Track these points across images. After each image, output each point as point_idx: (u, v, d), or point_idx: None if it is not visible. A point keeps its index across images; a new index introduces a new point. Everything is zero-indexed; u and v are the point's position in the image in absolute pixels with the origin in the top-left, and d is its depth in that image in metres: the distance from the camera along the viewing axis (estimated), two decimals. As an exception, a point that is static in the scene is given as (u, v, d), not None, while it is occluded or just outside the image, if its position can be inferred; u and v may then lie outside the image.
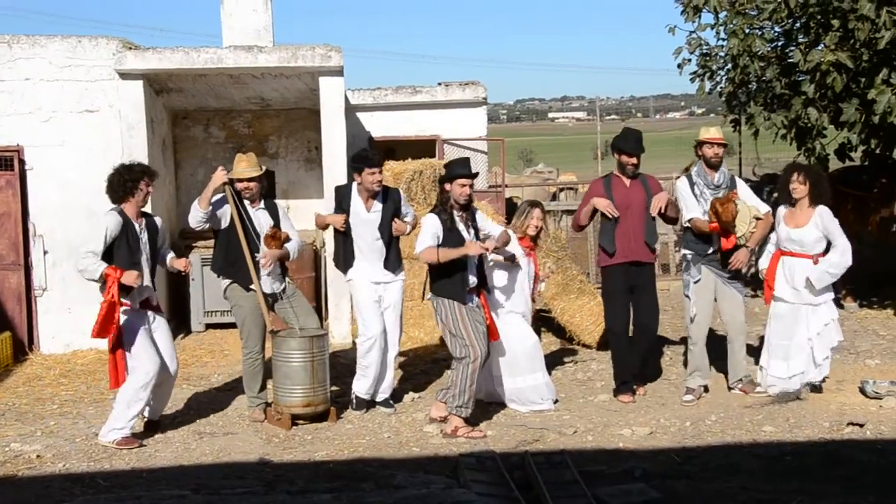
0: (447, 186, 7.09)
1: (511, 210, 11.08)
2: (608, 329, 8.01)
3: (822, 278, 7.39)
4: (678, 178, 14.35)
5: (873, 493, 5.43)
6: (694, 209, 7.62)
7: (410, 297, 10.00)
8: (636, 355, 7.82)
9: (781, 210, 7.65)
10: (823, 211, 7.44)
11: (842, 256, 7.38)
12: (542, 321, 10.37)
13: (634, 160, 7.65)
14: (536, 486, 5.47)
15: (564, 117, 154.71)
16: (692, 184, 7.69)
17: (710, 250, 7.59)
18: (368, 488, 5.50)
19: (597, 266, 8.08)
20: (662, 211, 7.62)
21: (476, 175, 7.24)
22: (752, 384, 7.80)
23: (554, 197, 16.23)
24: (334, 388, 7.71)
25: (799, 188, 7.49)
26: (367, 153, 7.53)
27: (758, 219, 7.57)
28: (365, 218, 7.45)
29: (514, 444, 6.63)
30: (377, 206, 7.48)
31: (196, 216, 7.18)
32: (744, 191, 7.72)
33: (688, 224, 7.67)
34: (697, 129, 8.13)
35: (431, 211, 7.19)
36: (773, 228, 7.71)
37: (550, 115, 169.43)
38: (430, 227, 7.01)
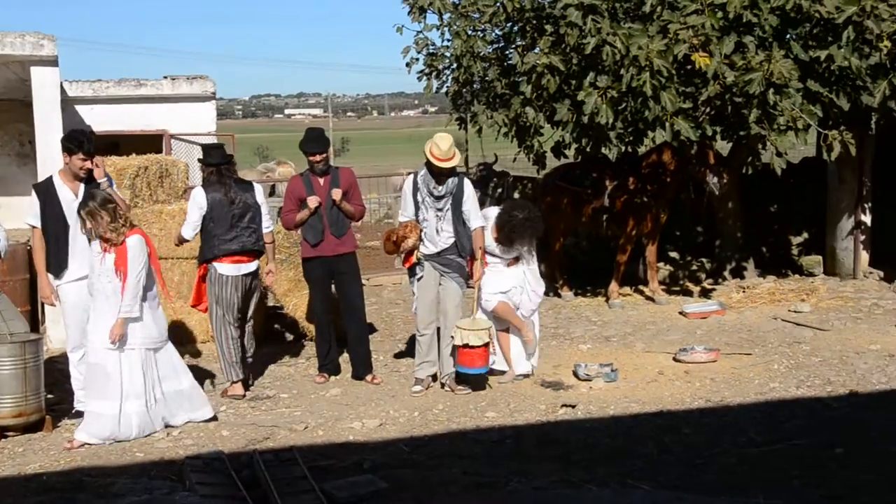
0: None
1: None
2: (313, 314, 8.50)
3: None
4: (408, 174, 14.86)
5: (581, 469, 5.84)
6: (406, 215, 7.83)
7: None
8: (355, 341, 8.29)
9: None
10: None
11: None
12: (276, 318, 10.28)
13: (317, 158, 8.09)
14: (264, 484, 5.42)
15: (301, 114, 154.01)
16: (416, 188, 7.80)
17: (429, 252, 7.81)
18: (85, 499, 5.23)
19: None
20: (338, 202, 8.06)
21: None
22: (456, 381, 7.87)
23: (272, 192, 16.19)
24: (50, 395, 7.26)
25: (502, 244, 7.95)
26: (83, 138, 7.12)
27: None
28: (74, 204, 7.01)
29: (244, 444, 6.53)
30: (81, 188, 7.12)
31: None
32: (470, 203, 7.78)
33: None
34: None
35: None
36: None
37: (287, 111, 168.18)
38: None
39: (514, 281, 8.08)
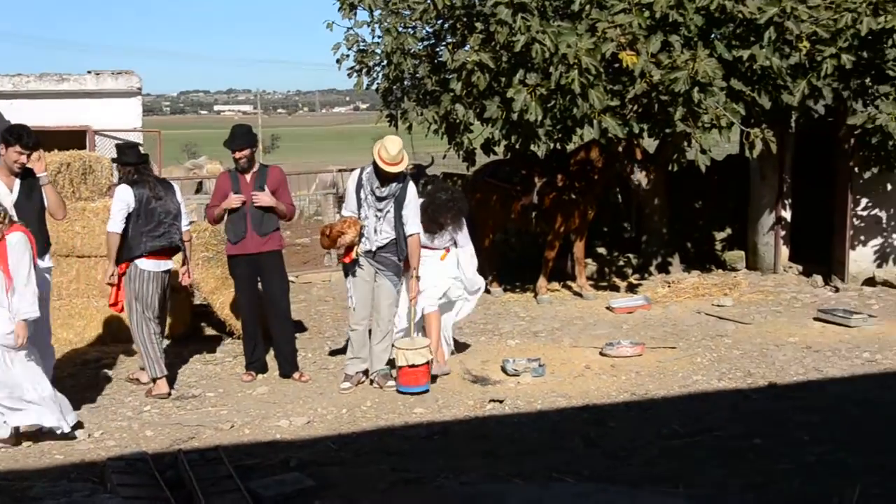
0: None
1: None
2: (239, 312, 8.47)
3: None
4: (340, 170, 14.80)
5: (508, 463, 5.88)
6: (348, 211, 7.80)
7: (58, 297, 9.40)
8: (280, 339, 8.21)
9: None
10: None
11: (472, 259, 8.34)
12: (202, 316, 10.15)
13: (238, 154, 7.98)
14: (189, 484, 5.36)
15: (230, 110, 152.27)
16: (360, 185, 7.72)
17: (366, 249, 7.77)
18: (1, 503, 5.10)
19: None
20: (265, 206, 7.96)
21: None
22: (385, 378, 7.81)
23: (199, 188, 16.00)
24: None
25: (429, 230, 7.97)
26: (23, 132, 6.94)
27: None
28: (8, 199, 6.84)
29: (168, 444, 6.45)
30: (17, 183, 6.95)
31: None
32: (410, 208, 7.70)
33: None
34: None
35: None
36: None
37: (216, 107, 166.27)
38: None
39: (451, 275, 8.10)
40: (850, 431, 6.37)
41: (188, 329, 9.79)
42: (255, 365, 8.28)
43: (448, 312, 8.36)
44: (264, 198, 7.95)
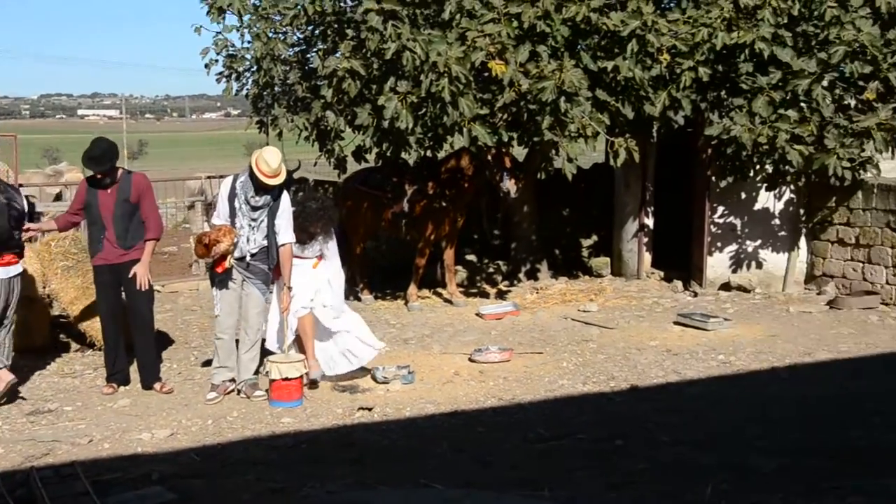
0: None
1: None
2: (100, 321, 8.18)
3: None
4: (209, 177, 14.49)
5: (376, 470, 5.86)
6: (220, 220, 7.64)
7: None
8: (142, 350, 7.99)
9: None
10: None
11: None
12: (61, 327, 9.77)
13: (100, 176, 7.70)
14: (41, 503, 5.13)
15: (95, 115, 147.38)
16: (233, 193, 7.57)
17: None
18: None
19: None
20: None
21: None
22: (253, 387, 7.70)
23: (59, 196, 15.50)
24: None
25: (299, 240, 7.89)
26: None
27: None
28: None
29: (20, 461, 6.16)
30: None
31: None
32: (284, 217, 7.63)
33: None
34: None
35: None
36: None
37: (80, 112, 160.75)
38: None
39: (320, 281, 8.04)
40: (706, 431, 6.61)
41: (46, 341, 9.41)
42: (117, 377, 8.02)
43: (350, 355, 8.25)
44: (144, 280, 7.77)
